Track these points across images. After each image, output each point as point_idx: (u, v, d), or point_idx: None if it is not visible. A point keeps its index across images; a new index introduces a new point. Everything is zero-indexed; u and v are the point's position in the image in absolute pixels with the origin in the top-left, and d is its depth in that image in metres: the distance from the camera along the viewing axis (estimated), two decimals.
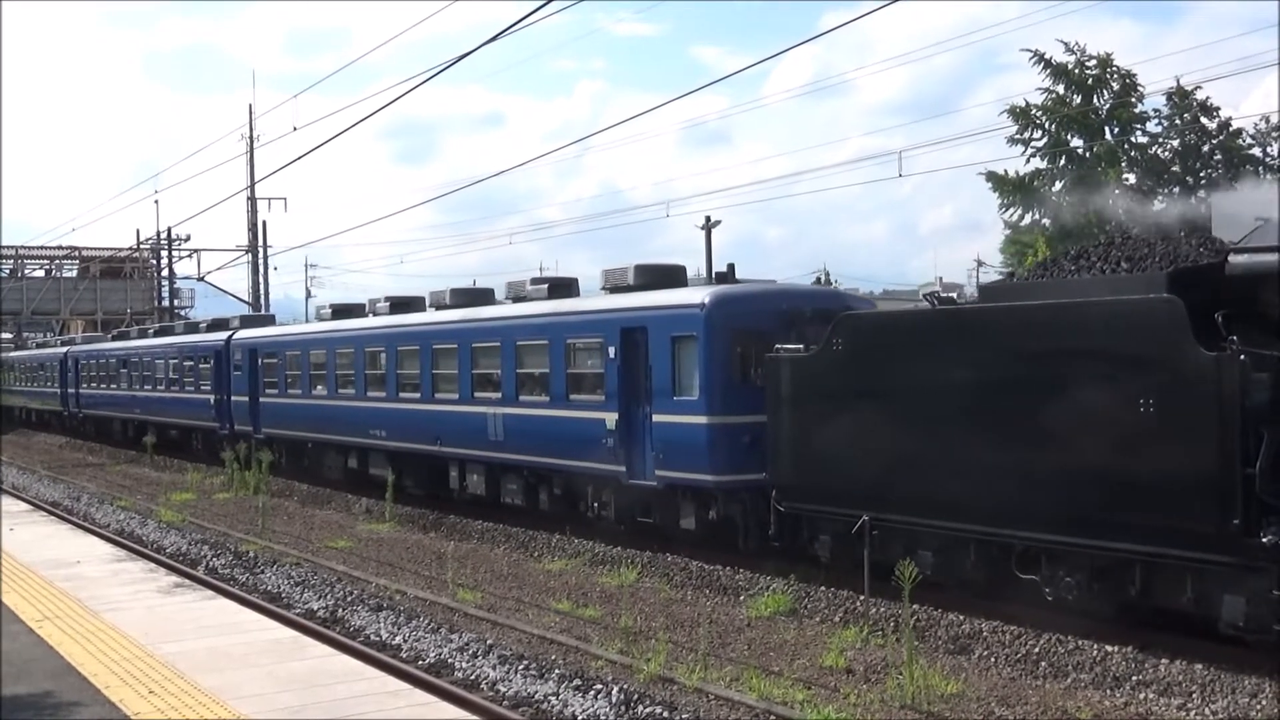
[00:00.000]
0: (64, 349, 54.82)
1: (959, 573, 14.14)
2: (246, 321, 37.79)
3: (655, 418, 18.22)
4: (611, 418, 18.91)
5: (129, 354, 44.74)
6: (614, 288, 20.52)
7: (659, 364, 18.20)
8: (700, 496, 17.78)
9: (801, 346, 16.25)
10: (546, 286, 22.63)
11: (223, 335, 36.01)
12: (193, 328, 41.93)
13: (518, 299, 23.32)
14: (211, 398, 35.89)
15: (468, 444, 23.05)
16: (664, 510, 18.56)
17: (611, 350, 19.08)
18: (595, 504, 19.99)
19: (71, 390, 51.83)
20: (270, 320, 39.30)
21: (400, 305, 27.92)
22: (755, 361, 17.15)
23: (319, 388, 29.75)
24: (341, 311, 30.98)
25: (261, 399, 32.91)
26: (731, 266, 19.55)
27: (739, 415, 17.09)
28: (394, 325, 26.72)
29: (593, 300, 20.93)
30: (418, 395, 24.88)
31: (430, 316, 25.86)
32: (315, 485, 29.47)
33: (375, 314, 28.54)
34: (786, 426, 16.16)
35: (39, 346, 65.83)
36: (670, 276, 20.39)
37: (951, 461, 13.79)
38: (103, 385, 47.49)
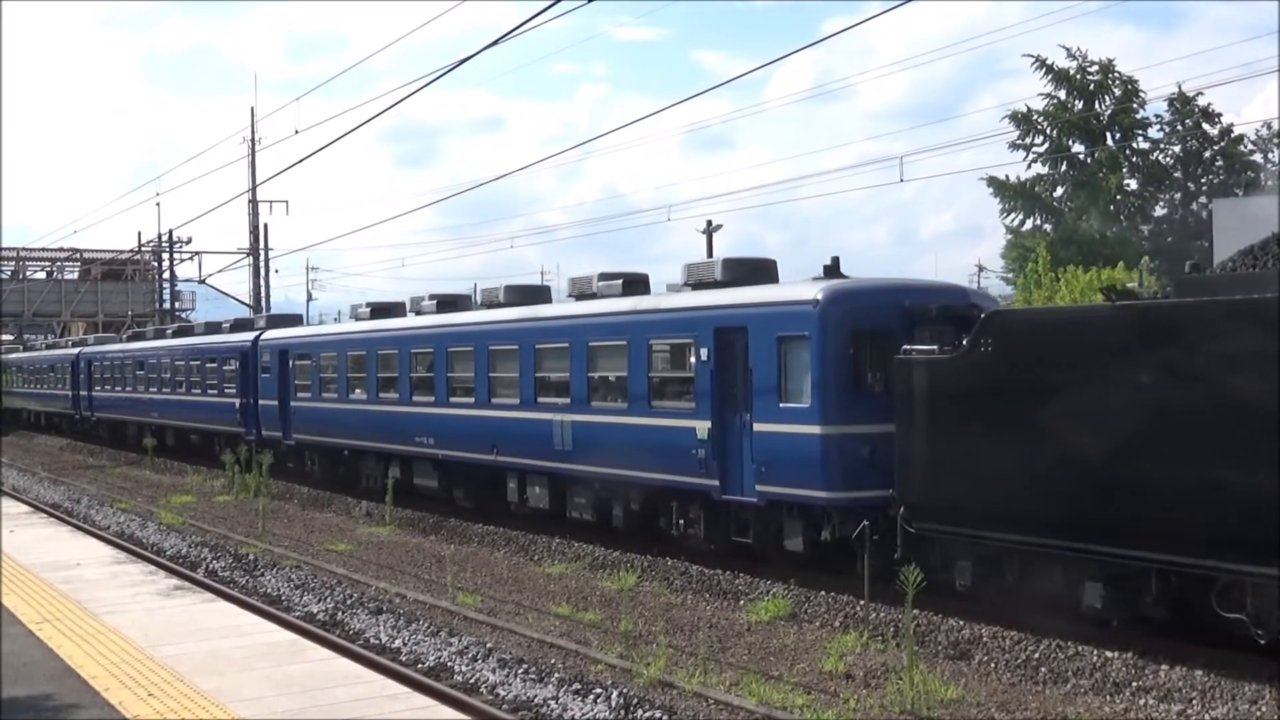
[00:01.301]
0: (75, 350, 52.89)
1: (1133, 609, 12.75)
2: (273, 321, 35.79)
3: (757, 427, 16.46)
4: (703, 426, 17.29)
5: (146, 355, 43.00)
6: (698, 283, 18.84)
7: (762, 367, 16.51)
8: (809, 515, 16.09)
9: (935, 348, 14.49)
10: (620, 282, 20.62)
11: (249, 335, 34.18)
12: (215, 328, 39.97)
13: (582, 296, 21.51)
14: (236, 401, 34.11)
15: (529, 453, 21.29)
16: (764, 529, 16.92)
17: (703, 352, 17.40)
18: (680, 521, 18.29)
19: (83, 392, 50.14)
20: (298, 320, 37.08)
21: (447, 304, 26.20)
22: (874, 364, 15.63)
23: (358, 391, 27.81)
24: (381, 310, 29.07)
25: (293, 403, 30.95)
26: (836, 260, 17.43)
27: (857, 424, 15.43)
28: (444, 325, 24.93)
29: (678, 297, 19.04)
30: (471, 400, 23.18)
31: (485, 315, 23.95)
32: (354, 496, 27.49)
33: (420, 312, 26.58)
34: (920, 437, 14.48)
35: (49, 347, 63.64)
36: (762, 271, 18.81)
37: (1133, 479, 12.14)
38: (117, 387, 45.88)
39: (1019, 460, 13.31)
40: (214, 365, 36.23)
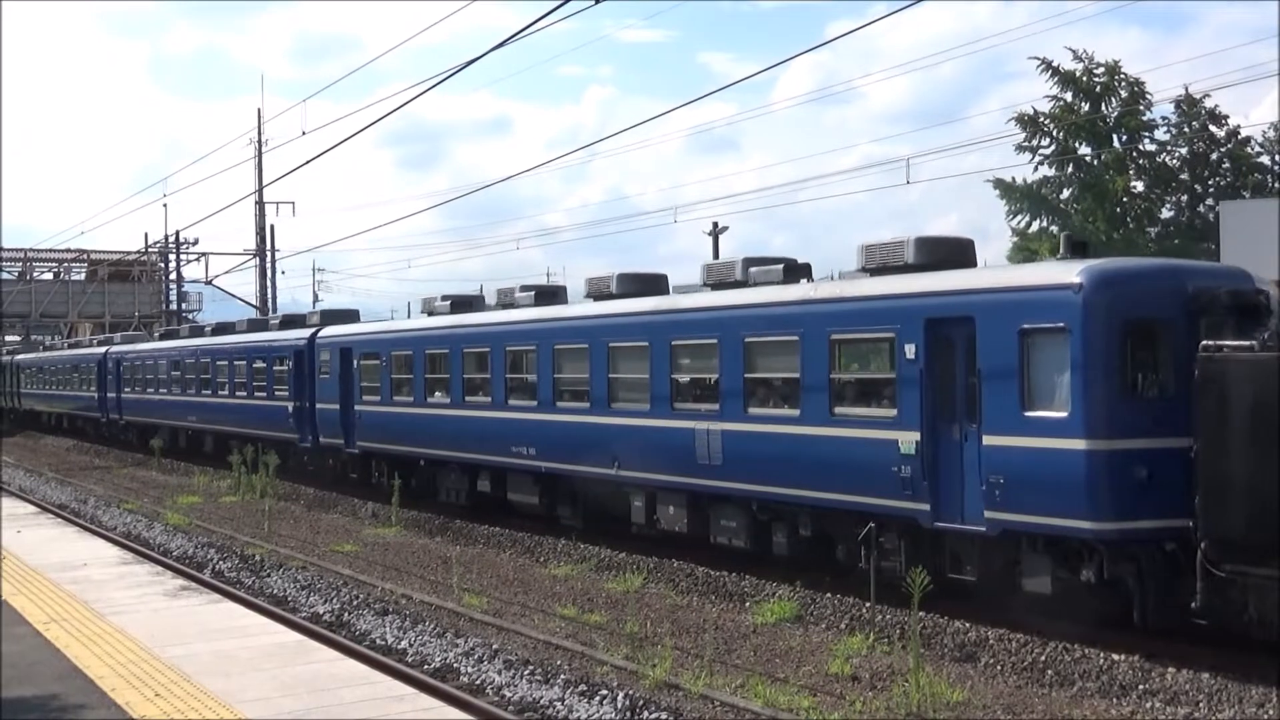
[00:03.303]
0: (102, 349, 49.43)
1: None
2: (328, 317, 32.42)
3: (988, 440, 13.48)
4: (908, 438, 14.33)
5: (183, 354, 39.78)
6: (880, 268, 15.85)
7: (996, 367, 13.50)
8: (1060, 549, 13.20)
9: (1253, 343, 11.88)
10: (781, 268, 17.55)
11: (304, 333, 31.06)
12: (260, 325, 37.20)
13: (721, 284, 18.47)
14: (289, 405, 31.01)
15: (662, 467, 18.26)
16: (992, 566, 13.93)
17: (910, 349, 14.43)
18: (873, 553, 15.08)
19: (111, 394, 46.79)
20: (354, 316, 33.16)
21: (546, 295, 23.40)
22: (1150, 363, 12.95)
23: (438, 394, 24.77)
24: (461, 304, 26.06)
25: (357, 407, 27.67)
26: (1083, 241, 14.97)
27: (1132, 438, 12.57)
28: (547, 319, 21.83)
29: (866, 283, 15.77)
30: (586, 405, 20.08)
31: (598, 308, 20.75)
32: (432, 513, 24.68)
33: (515, 306, 23.48)
34: (1238, 456, 11.72)
35: (71, 346, 60.09)
36: (962, 252, 15.96)
37: None
38: (150, 389, 42.59)
39: None
40: (262, 365, 33.24)
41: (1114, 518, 12.48)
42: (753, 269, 17.91)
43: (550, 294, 23.47)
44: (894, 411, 14.67)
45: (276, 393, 32.09)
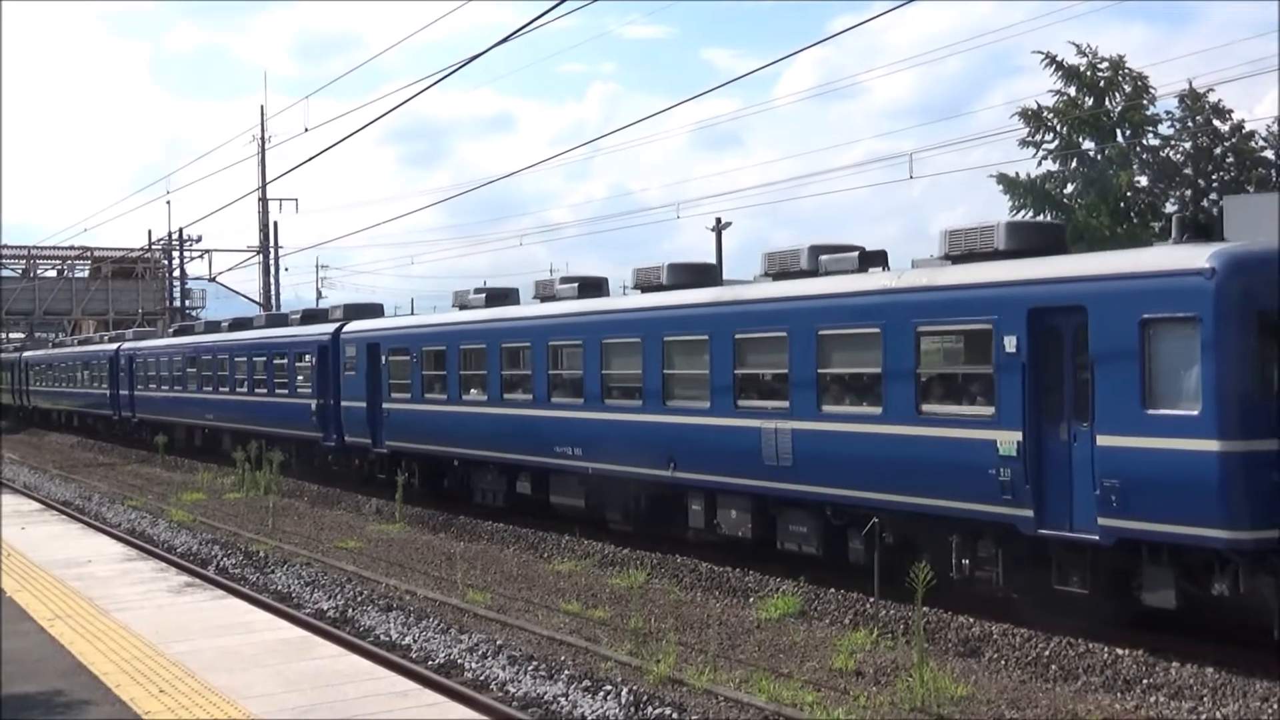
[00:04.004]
0: (114, 345, 48.29)
1: None
2: (351, 312, 31.00)
3: (1102, 440, 12.45)
4: (1008, 438, 13.29)
5: (199, 350, 38.60)
6: (966, 255, 14.78)
7: (1112, 360, 12.47)
8: (1186, 559, 12.27)
9: None
10: (856, 255, 16.49)
11: (327, 328, 29.91)
12: (279, 320, 35.93)
13: (783, 274, 17.38)
14: (312, 403, 29.82)
15: (724, 469, 17.25)
16: (1103, 576, 12.94)
17: (1010, 341, 13.35)
18: (964, 561, 14.19)
19: (124, 392, 45.62)
20: (379, 311, 32.05)
21: (590, 287, 22.14)
22: None
23: (474, 391, 23.58)
24: (496, 297, 25.01)
25: (386, 405, 26.55)
26: (1207, 225, 13.62)
27: (1272, 439, 11.65)
28: (595, 311, 20.70)
29: (956, 271, 14.66)
30: (638, 403, 19.02)
31: (651, 300, 19.53)
32: (462, 514, 23.77)
33: (557, 298, 22.37)
34: None
35: (81, 342, 58.15)
36: (1053, 236, 15.10)
37: None
38: (164, 386, 41.54)
39: None
40: (283, 361, 32.17)
41: (1250, 526, 11.51)
42: (823, 257, 16.85)
43: (594, 286, 22.22)
44: (991, 409, 13.61)
45: (299, 390, 31.08)
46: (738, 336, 17.17)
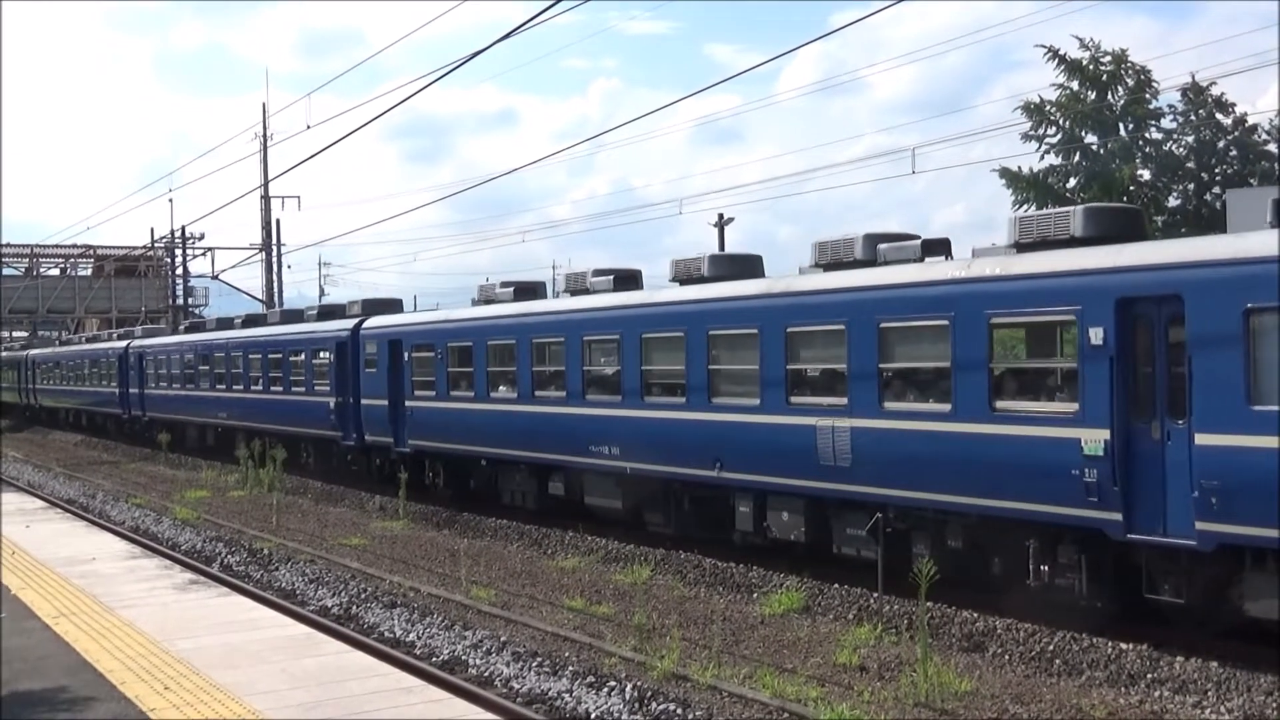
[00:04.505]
0: (123, 342, 47.45)
1: None
2: (370, 307, 30.03)
3: (1201, 439, 11.65)
4: (1094, 437, 12.44)
5: (212, 347, 37.80)
6: (1039, 242, 13.89)
7: (1210, 353, 11.70)
8: None
9: None
10: (919, 243, 15.70)
11: (346, 324, 28.98)
12: (295, 316, 34.84)
13: (834, 265, 16.50)
14: (331, 401, 29.05)
15: (776, 469, 16.39)
16: (1201, 583, 12.18)
17: (1095, 333, 12.48)
18: (1042, 566, 13.36)
19: (134, 390, 44.77)
20: (397, 306, 31.04)
21: (625, 280, 21.21)
22: None
23: (503, 389, 22.74)
24: (525, 291, 24.19)
25: (409, 403, 25.75)
26: None
27: None
28: (633, 305, 19.72)
29: (1037, 259, 13.61)
30: (681, 400, 18.17)
31: (693, 292, 18.54)
32: (491, 516, 23.10)
33: (592, 291, 21.26)
34: None
35: (89, 340, 56.98)
36: (1132, 222, 14.16)
37: None
38: (176, 385, 40.70)
39: None
40: (300, 358, 31.40)
41: None
42: (882, 246, 15.90)
43: (629, 279, 21.34)
44: (1075, 406, 12.75)
45: (316, 388, 30.27)
46: (790, 330, 16.30)
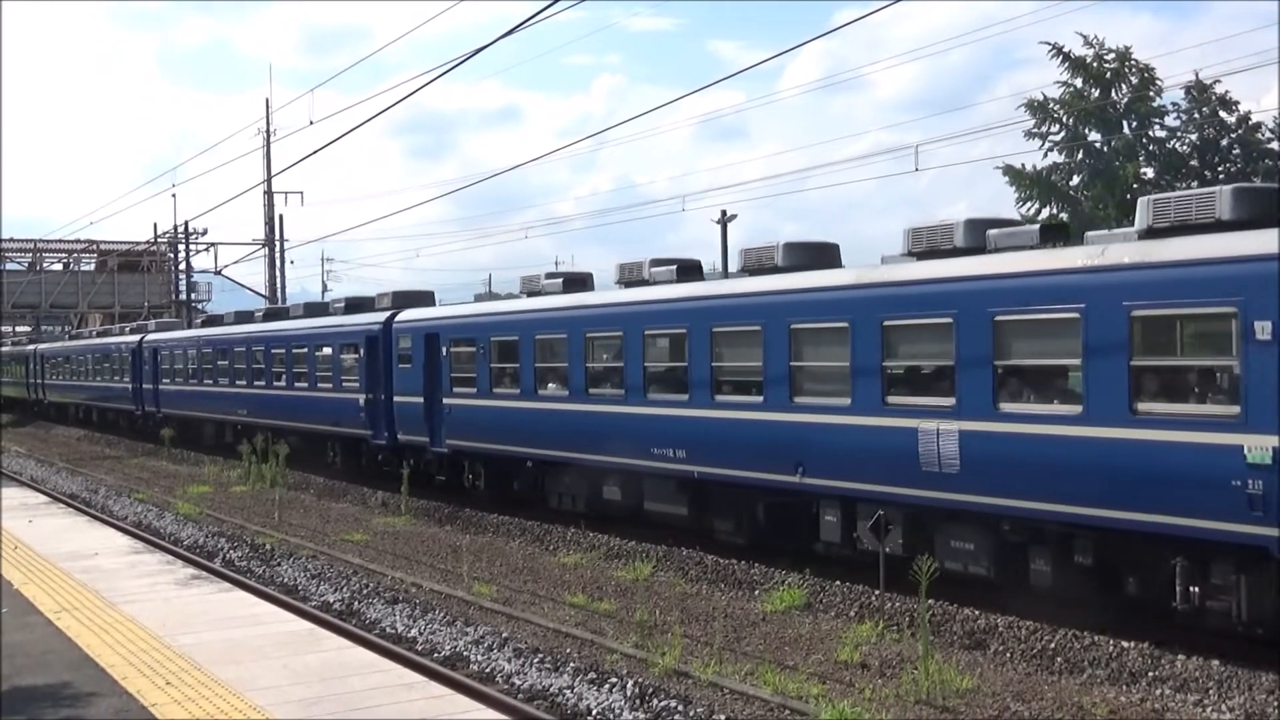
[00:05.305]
0: (135, 336, 46.18)
1: None
2: (401, 299, 28.67)
3: None
4: (1260, 444, 11.14)
5: (231, 342, 36.36)
6: (1178, 226, 12.54)
7: None
8: None
9: None
10: (1036, 229, 14.49)
11: (378, 317, 27.78)
12: (319, 310, 33.62)
13: (928, 254, 15.25)
14: (361, 398, 27.82)
15: (868, 475, 15.13)
16: None
17: (1261, 327, 11.21)
18: (1192, 588, 12.09)
19: (148, 386, 43.49)
20: (430, 299, 29.55)
21: (688, 270, 19.98)
22: None
23: (551, 385, 21.59)
24: (574, 283, 22.79)
25: (447, 400, 24.52)
26: None
27: None
28: (701, 297, 18.47)
29: (1179, 245, 12.26)
30: (758, 399, 16.84)
31: (773, 283, 17.17)
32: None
33: (651, 282, 20.07)
34: None
35: (100, 334, 55.76)
36: (1268, 200, 12.58)
37: None
38: (193, 380, 39.29)
39: None
40: (327, 354, 30.08)
41: None
42: (991, 232, 14.58)
43: (692, 269, 20.16)
44: (1236, 409, 11.40)
45: (344, 384, 28.98)
46: (887, 323, 14.93)
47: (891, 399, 14.85)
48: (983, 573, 14.07)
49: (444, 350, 24.73)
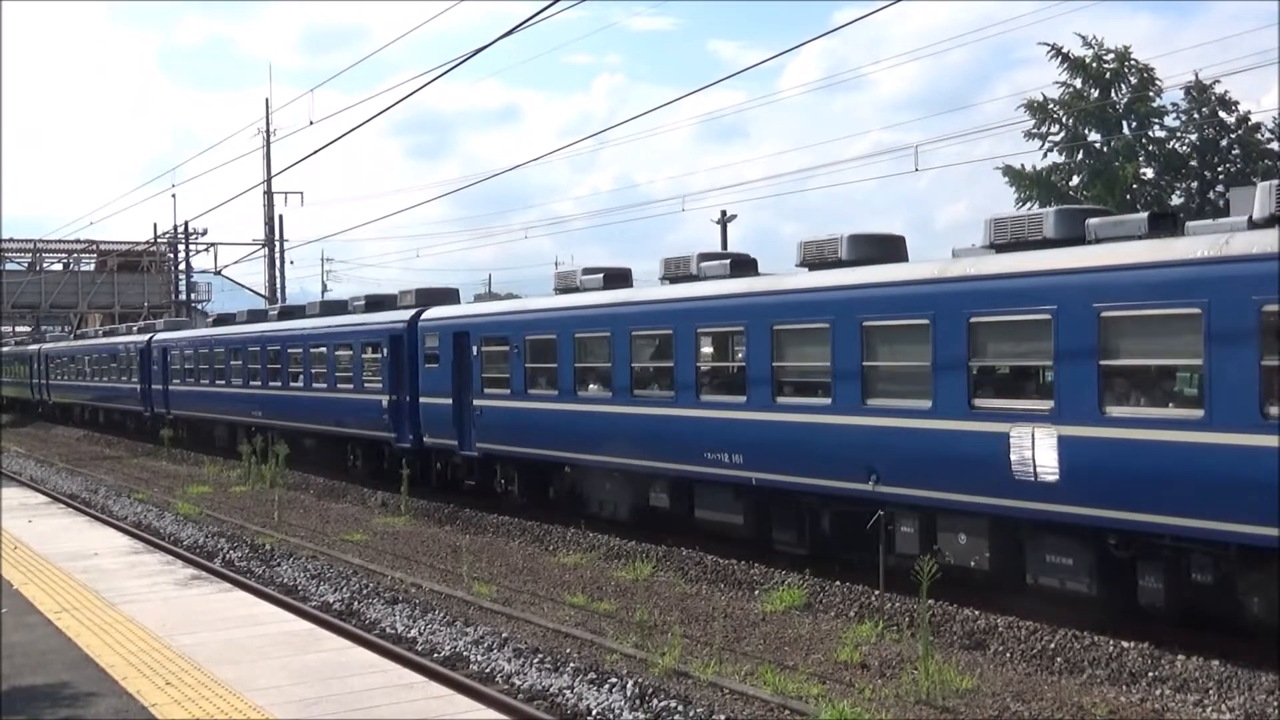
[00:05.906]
0: (144, 336, 45.12)
1: None
2: (424, 297, 27.60)
3: None
4: None
5: (245, 341, 35.21)
6: None
7: None
8: None
9: None
10: (1145, 218, 13.18)
11: (402, 315, 26.72)
12: (337, 308, 32.33)
13: (1014, 245, 14.20)
14: (383, 399, 26.79)
15: (951, 484, 14.07)
16: None
17: None
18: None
19: (157, 386, 42.50)
20: (454, 296, 28.49)
21: (743, 265, 18.88)
22: None
23: (594, 386, 20.61)
24: (615, 278, 21.67)
25: (477, 402, 23.46)
26: None
27: None
28: (760, 293, 17.34)
29: None
30: (826, 401, 15.75)
31: (839, 278, 16.07)
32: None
33: (702, 277, 19.03)
34: None
35: (107, 334, 54.79)
36: None
37: None
38: (204, 381, 38.26)
39: None
40: (347, 353, 28.96)
41: None
42: (1092, 221, 13.49)
43: (747, 264, 19.03)
44: None
45: (366, 384, 27.91)
46: (974, 320, 13.80)
47: (978, 402, 13.77)
48: (1083, 590, 13.10)
49: (475, 349, 23.68)
